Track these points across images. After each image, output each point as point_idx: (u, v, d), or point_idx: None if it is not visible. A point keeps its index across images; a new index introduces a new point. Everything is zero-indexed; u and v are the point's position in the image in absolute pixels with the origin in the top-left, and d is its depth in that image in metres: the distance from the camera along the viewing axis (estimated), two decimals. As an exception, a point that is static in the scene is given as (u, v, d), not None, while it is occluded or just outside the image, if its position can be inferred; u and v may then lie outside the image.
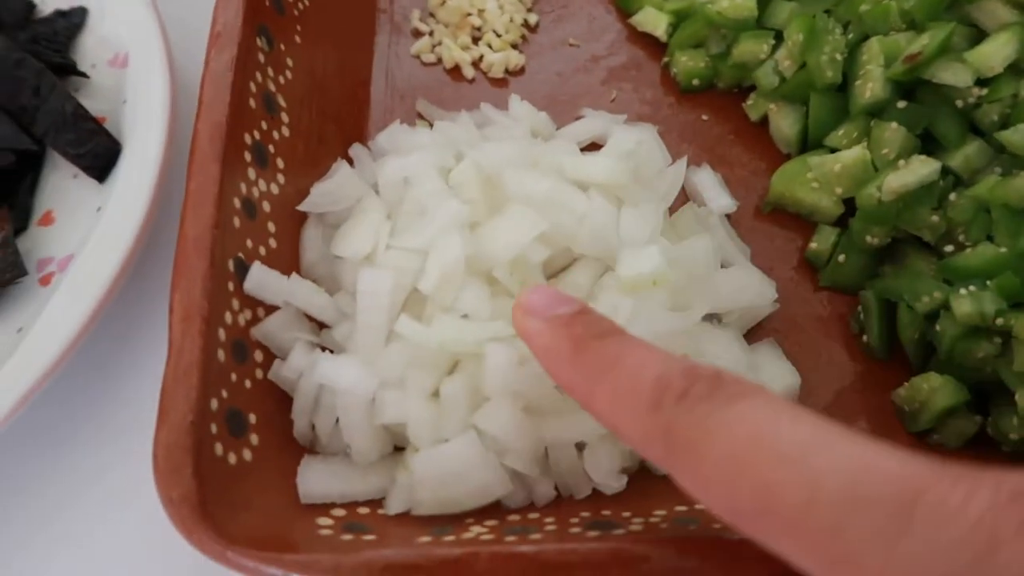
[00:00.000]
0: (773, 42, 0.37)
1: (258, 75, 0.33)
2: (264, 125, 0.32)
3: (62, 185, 0.35)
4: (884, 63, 0.33)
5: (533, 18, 0.42)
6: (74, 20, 0.38)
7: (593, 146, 0.37)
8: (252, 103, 0.32)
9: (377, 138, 0.36)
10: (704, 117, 0.39)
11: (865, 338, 0.32)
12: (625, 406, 0.20)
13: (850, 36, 0.35)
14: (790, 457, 0.16)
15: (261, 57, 0.33)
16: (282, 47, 0.35)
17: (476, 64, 0.41)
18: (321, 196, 0.33)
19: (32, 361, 0.29)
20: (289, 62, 0.35)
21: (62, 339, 0.30)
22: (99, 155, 0.34)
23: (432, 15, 0.42)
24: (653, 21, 0.41)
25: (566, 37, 0.42)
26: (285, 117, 0.34)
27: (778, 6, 0.38)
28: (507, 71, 0.40)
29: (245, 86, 0.31)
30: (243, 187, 0.30)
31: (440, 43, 0.41)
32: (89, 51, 0.38)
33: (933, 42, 0.31)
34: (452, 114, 0.38)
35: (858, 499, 0.15)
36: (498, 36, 0.41)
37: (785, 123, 0.37)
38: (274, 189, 0.32)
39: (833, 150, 0.35)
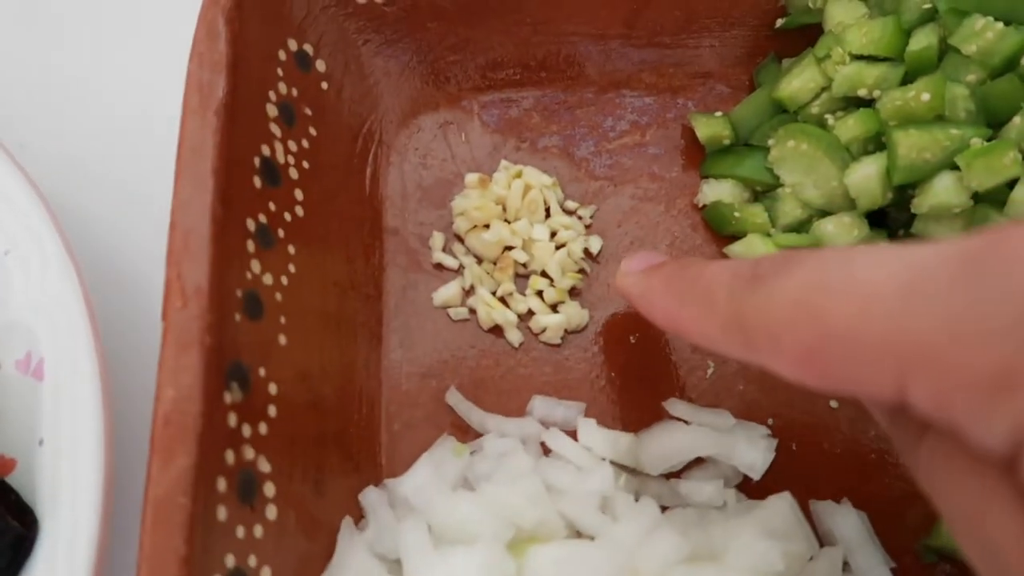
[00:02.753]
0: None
1: (229, 455, 0.22)
2: (240, 532, 0.22)
3: (-42, 573, 0.25)
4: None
5: (596, 243, 0.31)
6: (-33, 291, 0.28)
7: (698, 461, 0.28)
8: (222, 513, 0.22)
9: (399, 486, 0.26)
10: (832, 404, 0.29)
11: None
12: (707, 312, 0.20)
13: None
14: (837, 280, 0.16)
15: (232, 420, 0.23)
16: (262, 373, 0.24)
17: (523, 319, 0.30)
18: (326, 616, 0.23)
19: None
20: (272, 390, 0.25)
21: None
22: (3, 550, 0.24)
23: (460, 239, 0.32)
24: (759, 258, 0.30)
25: (640, 271, 0.31)
26: (269, 489, 0.24)
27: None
28: (566, 331, 0.30)
29: (209, 495, 0.21)
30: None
31: (472, 290, 0.30)
32: (-10, 338, 0.28)
33: None
34: (494, 418, 0.28)
35: (913, 283, 0.15)
36: (551, 282, 0.30)
37: (952, 434, 0.27)
38: (259, 628, 0.22)
39: None
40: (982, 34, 0.27)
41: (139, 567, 0.20)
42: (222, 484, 0.22)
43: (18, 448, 0.26)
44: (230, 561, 0.22)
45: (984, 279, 0.14)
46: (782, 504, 0.24)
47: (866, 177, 0.28)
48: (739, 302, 0.19)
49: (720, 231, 0.32)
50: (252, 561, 0.22)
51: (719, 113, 0.33)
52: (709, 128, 0.33)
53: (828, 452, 0.28)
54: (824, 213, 0.30)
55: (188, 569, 0.20)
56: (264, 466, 0.24)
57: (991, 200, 0.27)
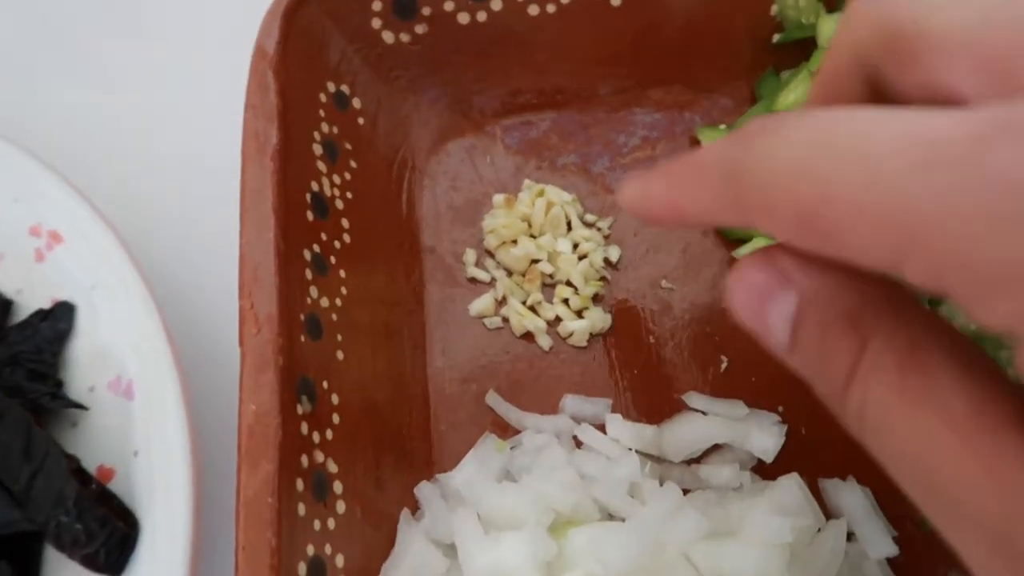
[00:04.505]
0: (927, 308, 0.30)
1: (304, 460, 0.26)
2: (317, 525, 0.26)
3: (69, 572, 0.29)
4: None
5: (615, 252, 0.34)
6: (60, 325, 0.31)
7: (716, 448, 0.31)
8: (301, 509, 0.25)
9: (450, 480, 0.29)
10: (838, 390, 0.32)
11: None
12: (698, 184, 0.19)
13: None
14: (844, 143, 0.15)
15: (304, 428, 0.26)
16: (325, 386, 0.28)
17: (551, 325, 0.33)
18: (394, 596, 0.26)
19: None
20: (335, 400, 0.28)
21: None
22: (112, 548, 0.27)
23: (491, 254, 0.35)
24: (765, 259, 0.33)
25: (657, 276, 0.34)
26: (338, 487, 0.27)
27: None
28: (591, 334, 0.33)
29: (290, 494, 0.25)
30: (303, 649, 0.24)
31: (504, 300, 0.34)
32: (83, 365, 0.31)
33: None
34: (530, 416, 0.31)
35: (923, 157, 0.14)
36: (575, 290, 0.33)
37: (946, 414, 0.30)
38: (336, 608, 0.25)
39: None
40: (959, 48, 0.29)
41: (237, 558, 0.23)
42: (300, 485, 0.25)
43: (116, 459, 0.30)
44: (310, 550, 0.25)
45: (992, 164, 0.14)
46: (791, 483, 0.27)
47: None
48: (732, 160, 0.18)
49: (729, 236, 0.35)
50: (328, 550, 0.26)
51: (723, 126, 0.36)
52: (714, 140, 0.35)
53: (834, 435, 0.31)
54: (823, 216, 0.33)
55: (279, 557, 0.23)
56: (332, 467, 0.27)
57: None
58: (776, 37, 0.36)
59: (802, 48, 0.35)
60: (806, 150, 0.16)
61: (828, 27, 0.34)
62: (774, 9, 0.36)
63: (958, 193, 0.14)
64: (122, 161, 0.39)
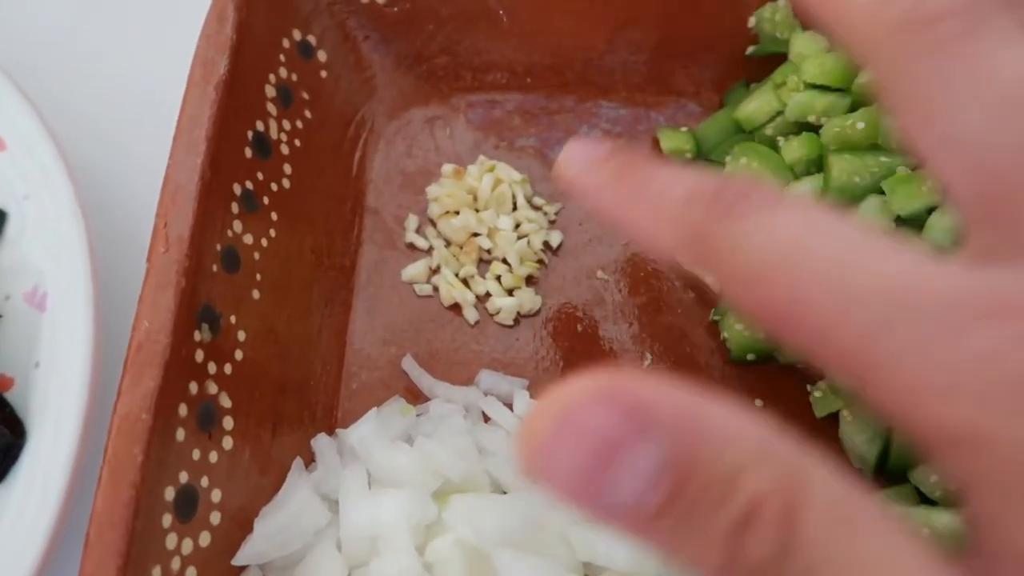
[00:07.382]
0: (855, 328, 0.30)
1: (192, 386, 0.25)
2: (196, 454, 0.25)
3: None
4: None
5: (557, 237, 0.34)
6: (-12, 231, 0.31)
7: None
8: (180, 434, 0.25)
9: (349, 434, 0.29)
10: (758, 402, 0.31)
11: None
12: (656, 219, 0.18)
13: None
14: (827, 275, 0.15)
15: (199, 356, 0.26)
16: (232, 320, 0.27)
17: (481, 300, 0.33)
18: (266, 540, 0.26)
19: None
20: (240, 336, 0.28)
21: None
22: (-5, 454, 0.27)
23: (432, 223, 0.35)
24: (704, 263, 0.33)
25: (594, 266, 0.34)
26: (228, 423, 0.27)
27: (865, 280, 0.30)
28: (519, 314, 0.33)
29: (170, 417, 0.24)
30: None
31: (438, 270, 0.33)
32: (3, 273, 0.31)
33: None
34: (442, 385, 0.31)
35: (897, 316, 0.14)
36: (510, 268, 0.33)
37: (860, 438, 0.29)
38: (203, 541, 0.25)
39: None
40: (918, 72, 0.29)
41: (102, 469, 0.23)
42: (183, 410, 0.25)
43: (17, 369, 0.29)
44: (183, 477, 0.24)
45: (966, 342, 0.14)
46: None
47: (802, 195, 0.30)
48: (699, 223, 0.17)
49: (672, 236, 0.34)
50: (204, 482, 0.25)
51: (684, 128, 0.36)
52: (673, 142, 0.35)
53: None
54: (767, 227, 0.32)
55: (143, 474, 0.23)
56: (225, 401, 0.27)
57: (912, 224, 0.29)
58: (750, 49, 0.36)
59: (775, 62, 0.35)
60: (785, 257, 0.16)
61: (800, 43, 0.34)
62: (751, 21, 0.36)
63: (921, 356, 0.14)
64: (77, 86, 0.39)
